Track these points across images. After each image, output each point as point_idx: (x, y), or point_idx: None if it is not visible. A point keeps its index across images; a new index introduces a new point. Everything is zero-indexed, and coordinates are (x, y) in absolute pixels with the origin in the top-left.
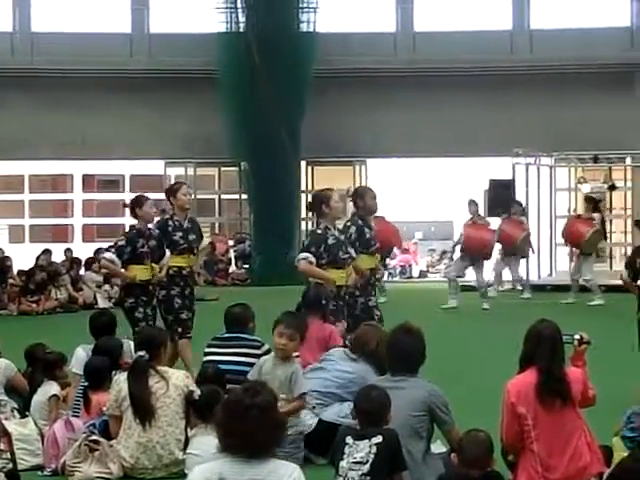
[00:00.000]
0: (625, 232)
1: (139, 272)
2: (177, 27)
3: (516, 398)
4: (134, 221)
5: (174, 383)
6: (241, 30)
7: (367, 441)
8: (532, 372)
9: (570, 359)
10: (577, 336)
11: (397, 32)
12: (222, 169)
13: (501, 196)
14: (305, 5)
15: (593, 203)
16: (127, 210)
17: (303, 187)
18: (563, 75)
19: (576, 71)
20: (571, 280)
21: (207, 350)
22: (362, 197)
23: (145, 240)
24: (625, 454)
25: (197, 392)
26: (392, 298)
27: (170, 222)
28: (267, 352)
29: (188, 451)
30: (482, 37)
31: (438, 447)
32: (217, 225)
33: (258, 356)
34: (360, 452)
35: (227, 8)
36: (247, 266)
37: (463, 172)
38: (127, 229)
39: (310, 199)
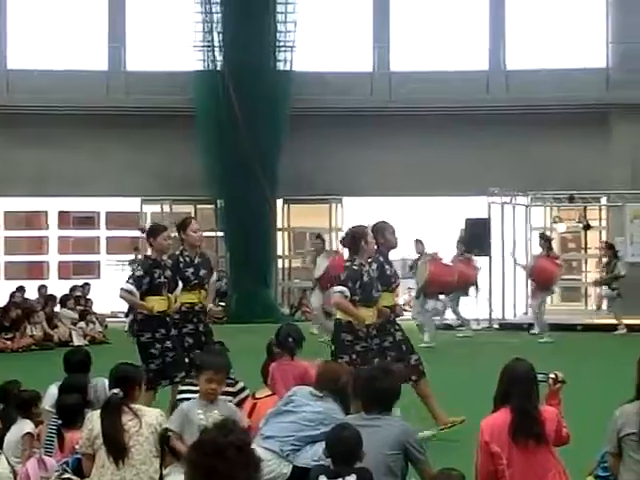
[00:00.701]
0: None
1: (156, 303)
2: (154, 65)
3: (490, 437)
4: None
5: (147, 421)
6: (218, 68)
7: None
8: (506, 411)
9: (545, 398)
10: (552, 375)
11: (374, 72)
12: (198, 206)
13: (477, 235)
14: (282, 44)
15: (549, 242)
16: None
17: (279, 225)
18: (539, 115)
19: (552, 111)
20: (536, 318)
21: (182, 388)
22: (382, 233)
23: (161, 270)
24: None
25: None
26: None
27: (181, 258)
28: (242, 390)
29: None
30: (459, 77)
31: None
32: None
33: (232, 394)
34: None
35: (204, 46)
36: (223, 304)
37: (440, 211)
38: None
39: (348, 235)
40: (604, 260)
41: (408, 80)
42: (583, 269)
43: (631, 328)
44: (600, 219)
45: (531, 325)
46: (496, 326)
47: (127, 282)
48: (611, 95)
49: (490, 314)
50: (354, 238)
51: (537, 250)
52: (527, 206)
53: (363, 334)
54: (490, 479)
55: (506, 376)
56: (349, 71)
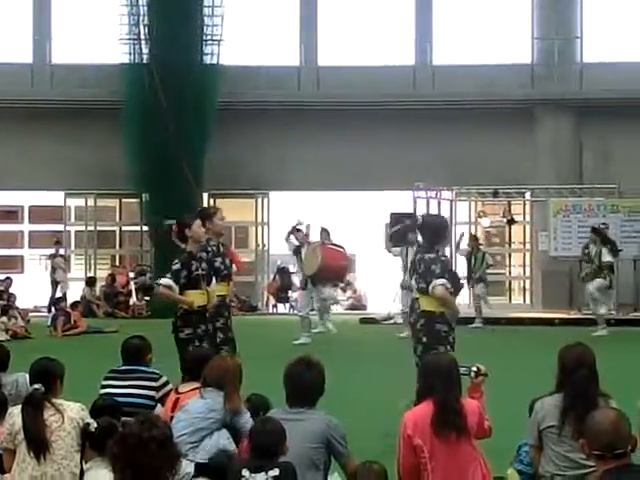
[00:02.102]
0: (524, 265)
1: (196, 297)
2: (80, 58)
3: (413, 430)
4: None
5: (69, 416)
6: (144, 61)
7: (264, 474)
8: (429, 404)
9: (467, 391)
10: (474, 368)
11: (301, 66)
12: (123, 200)
13: (402, 229)
14: (209, 37)
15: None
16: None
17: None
18: (464, 111)
19: (477, 107)
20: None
21: (104, 383)
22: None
23: (198, 263)
24: None
25: (93, 424)
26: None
27: (209, 248)
28: (165, 384)
29: None
30: (385, 72)
31: (335, 479)
32: (117, 257)
33: (155, 388)
34: None
35: (130, 39)
36: (148, 298)
37: (365, 205)
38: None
39: (430, 225)
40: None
41: (335, 75)
42: (507, 263)
43: (554, 322)
44: (524, 214)
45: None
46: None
47: (164, 277)
48: (536, 91)
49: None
50: (438, 229)
51: (463, 245)
52: (452, 201)
53: (454, 325)
54: (412, 472)
55: (428, 369)
56: (276, 65)
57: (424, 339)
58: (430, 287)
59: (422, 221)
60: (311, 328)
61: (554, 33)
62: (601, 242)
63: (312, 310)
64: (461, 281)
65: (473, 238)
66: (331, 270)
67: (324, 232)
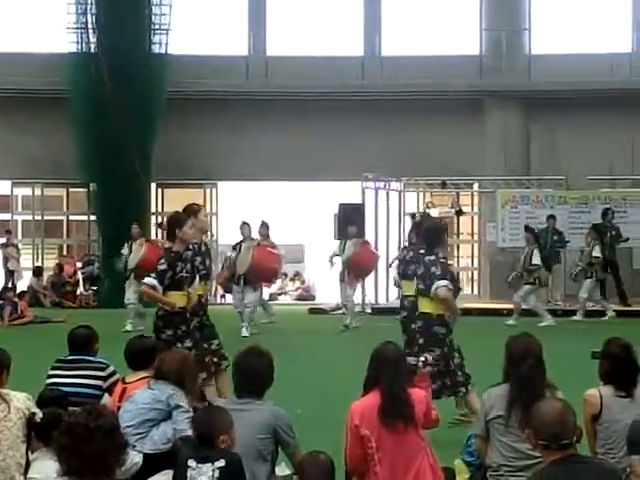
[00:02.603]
0: (472, 256)
1: (178, 299)
2: (27, 46)
3: (360, 420)
4: None
5: (16, 406)
6: (92, 50)
7: (210, 465)
8: (376, 394)
9: (415, 381)
10: (422, 358)
11: (249, 56)
12: (70, 190)
13: (351, 220)
14: (157, 27)
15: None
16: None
17: (153, 209)
18: (413, 102)
19: (426, 97)
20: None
21: (51, 373)
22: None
23: (184, 264)
24: (467, 476)
25: (39, 414)
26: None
27: (190, 246)
28: (112, 374)
29: (29, 475)
30: (334, 63)
31: (282, 469)
32: (65, 247)
33: (102, 378)
34: (203, 476)
35: (78, 28)
36: (95, 288)
37: (314, 196)
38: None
39: (429, 229)
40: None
41: (284, 64)
42: (455, 254)
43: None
44: (472, 205)
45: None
46: (369, 310)
47: (150, 277)
48: (484, 82)
49: (363, 298)
50: (438, 232)
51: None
52: (400, 191)
53: (452, 327)
54: (359, 462)
55: (376, 359)
56: (225, 55)
57: (420, 340)
58: (433, 288)
59: (423, 224)
60: (252, 320)
61: (502, 25)
62: (534, 241)
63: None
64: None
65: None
66: (260, 272)
67: (263, 226)
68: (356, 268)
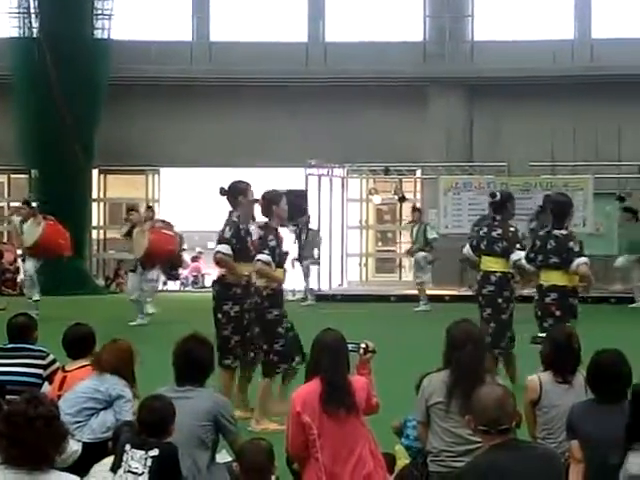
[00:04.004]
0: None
1: (281, 276)
2: None
3: (301, 407)
4: None
5: None
6: (34, 35)
7: (143, 452)
8: (317, 382)
9: (355, 367)
10: (362, 345)
11: (193, 42)
12: (12, 176)
13: (295, 206)
14: (100, 12)
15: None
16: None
17: (95, 196)
18: (357, 88)
19: (370, 84)
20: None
21: None
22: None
23: (278, 241)
24: (407, 461)
25: None
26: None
27: (241, 227)
28: (52, 362)
29: None
30: (278, 48)
31: (223, 456)
32: (5, 233)
33: (43, 367)
34: (135, 462)
35: (20, 13)
36: None
37: (258, 182)
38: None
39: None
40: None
41: (228, 50)
42: (397, 240)
43: (444, 299)
44: (415, 191)
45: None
46: (312, 297)
47: (263, 253)
48: (427, 68)
49: (306, 285)
50: (567, 206)
51: (354, 222)
52: (343, 178)
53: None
54: (301, 449)
55: (316, 347)
56: (168, 40)
57: (557, 312)
58: (574, 265)
59: (551, 200)
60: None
61: (445, 11)
62: None
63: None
64: None
65: (415, 210)
66: (158, 254)
67: (149, 210)
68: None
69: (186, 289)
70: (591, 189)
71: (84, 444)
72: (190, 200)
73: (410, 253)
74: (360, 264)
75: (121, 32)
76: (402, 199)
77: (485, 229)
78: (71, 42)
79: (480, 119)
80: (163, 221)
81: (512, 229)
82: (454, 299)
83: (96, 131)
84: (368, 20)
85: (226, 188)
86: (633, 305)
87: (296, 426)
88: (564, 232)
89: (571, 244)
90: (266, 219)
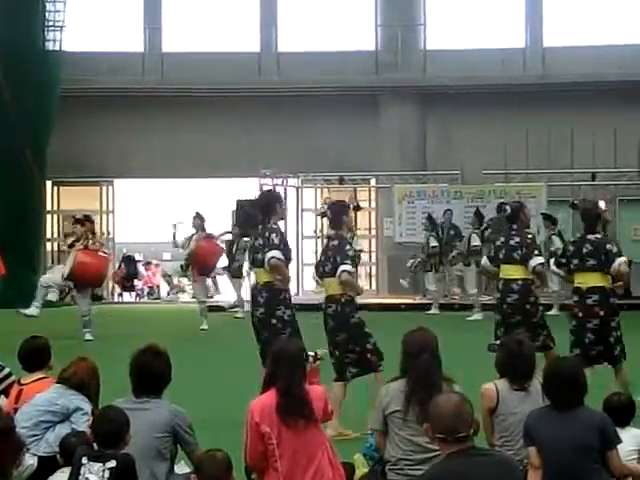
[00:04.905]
0: (370, 251)
1: None
2: None
3: (260, 417)
4: None
5: None
6: None
7: (101, 465)
8: (274, 392)
9: (306, 376)
10: (312, 353)
11: (145, 53)
12: None
13: (249, 216)
14: (51, 24)
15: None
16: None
17: (49, 207)
18: (310, 98)
19: (322, 94)
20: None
21: None
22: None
23: None
24: (366, 470)
25: None
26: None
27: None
28: (8, 376)
29: None
30: (230, 59)
31: (182, 468)
32: None
33: None
34: (93, 475)
35: None
36: None
37: (211, 193)
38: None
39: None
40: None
41: (180, 61)
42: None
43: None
44: (370, 200)
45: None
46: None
47: (346, 263)
48: (380, 78)
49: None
50: (597, 214)
51: (309, 232)
52: (298, 188)
53: None
54: (259, 459)
55: (273, 357)
56: (120, 51)
57: (601, 312)
58: (616, 264)
59: (581, 208)
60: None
61: (397, 20)
62: (478, 224)
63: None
64: None
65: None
66: (83, 276)
67: (80, 224)
68: (200, 263)
69: (141, 300)
70: (544, 196)
71: (40, 458)
72: (145, 211)
73: None
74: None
75: (73, 44)
76: (357, 208)
77: (502, 238)
78: (23, 54)
79: (433, 128)
80: (93, 233)
81: (530, 236)
82: (409, 307)
83: (49, 143)
84: (321, 30)
85: (258, 199)
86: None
87: (255, 436)
88: (598, 236)
89: (608, 246)
90: (334, 230)
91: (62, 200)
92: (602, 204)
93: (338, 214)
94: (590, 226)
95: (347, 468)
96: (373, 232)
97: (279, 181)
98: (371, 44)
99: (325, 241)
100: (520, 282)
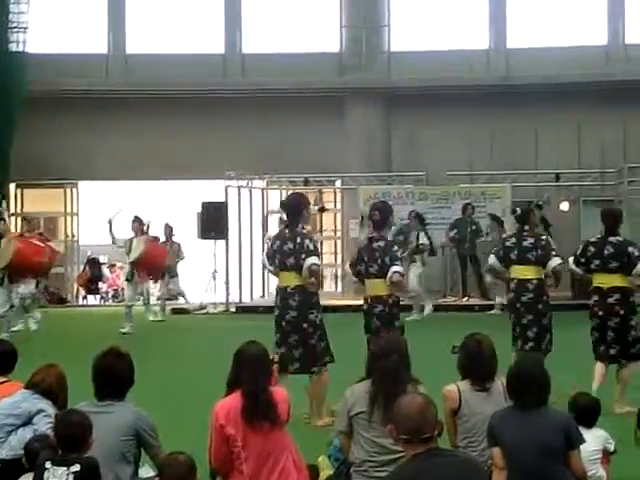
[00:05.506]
0: (335, 253)
1: None
2: None
3: (225, 420)
4: None
5: None
6: None
7: (65, 469)
8: (238, 394)
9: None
10: (271, 356)
11: (109, 54)
12: None
13: (214, 219)
14: (15, 25)
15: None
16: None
17: (12, 210)
18: (275, 99)
19: (287, 95)
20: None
21: None
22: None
23: None
24: (330, 472)
25: None
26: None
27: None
28: None
29: None
30: (195, 60)
31: (146, 471)
32: None
33: None
34: (57, 479)
35: None
36: None
37: (177, 195)
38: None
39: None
40: None
41: (144, 62)
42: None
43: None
44: (335, 202)
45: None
46: (233, 309)
47: (398, 264)
48: (345, 79)
49: (227, 297)
50: (618, 216)
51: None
52: (263, 189)
53: None
54: (224, 461)
55: (237, 359)
56: (85, 53)
57: (621, 312)
58: (639, 267)
59: (603, 211)
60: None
61: (362, 22)
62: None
63: (12, 307)
64: None
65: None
66: (22, 265)
67: (25, 222)
68: (148, 266)
69: (106, 303)
70: (509, 197)
71: (2, 461)
72: (110, 214)
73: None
74: None
75: (37, 45)
76: (322, 210)
77: (513, 239)
78: None
79: (398, 129)
80: (41, 234)
81: (544, 237)
82: None
83: (13, 145)
84: (285, 31)
85: (287, 202)
86: None
87: (220, 438)
88: (620, 238)
89: (630, 249)
90: (376, 231)
91: (26, 202)
92: (565, 205)
93: (385, 215)
94: (611, 228)
95: (312, 470)
96: (339, 234)
97: (244, 183)
98: (336, 45)
99: (366, 242)
100: (535, 282)
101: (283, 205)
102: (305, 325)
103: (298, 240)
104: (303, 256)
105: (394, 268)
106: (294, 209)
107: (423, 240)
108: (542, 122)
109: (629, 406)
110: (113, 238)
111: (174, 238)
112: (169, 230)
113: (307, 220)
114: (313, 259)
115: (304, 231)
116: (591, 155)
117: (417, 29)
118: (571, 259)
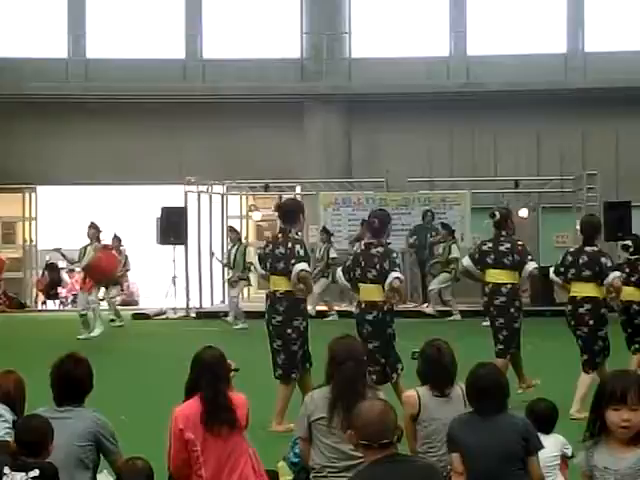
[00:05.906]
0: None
1: None
2: None
3: (184, 425)
4: None
5: None
6: None
7: (24, 474)
8: (197, 399)
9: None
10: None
11: (69, 58)
12: None
13: (173, 224)
14: None
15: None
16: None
17: None
18: (235, 104)
19: (248, 101)
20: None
21: None
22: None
23: None
24: (290, 478)
25: None
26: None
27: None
28: None
29: None
30: (156, 65)
31: (105, 477)
32: None
33: None
34: None
35: None
36: None
37: (136, 200)
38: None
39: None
40: None
41: (104, 67)
42: None
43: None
44: None
45: (227, 313)
46: (193, 315)
47: (397, 270)
48: (305, 85)
49: (187, 303)
50: (597, 226)
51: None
52: (223, 195)
53: None
54: (183, 466)
55: (195, 364)
56: (44, 57)
57: (590, 322)
58: (610, 278)
59: (583, 220)
60: None
61: (323, 28)
62: (450, 237)
63: None
64: None
65: (232, 230)
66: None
67: None
68: (98, 274)
69: (65, 309)
70: (468, 204)
71: None
72: (69, 218)
73: (230, 282)
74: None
75: None
76: None
77: (490, 244)
78: None
79: (358, 135)
80: None
81: (520, 242)
82: (338, 315)
83: None
84: (246, 37)
85: (282, 206)
86: None
87: (178, 443)
88: (595, 248)
89: (603, 260)
90: (375, 238)
91: None
92: (525, 211)
93: (384, 222)
94: (589, 238)
95: (271, 476)
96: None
97: (204, 188)
98: (296, 52)
99: (362, 247)
100: (509, 286)
101: (279, 209)
102: (289, 331)
103: (289, 245)
104: (293, 261)
105: (394, 274)
106: (289, 214)
107: (333, 255)
108: (502, 129)
109: (587, 412)
110: (69, 261)
111: (122, 249)
112: (117, 241)
113: (302, 226)
114: (302, 265)
115: (297, 237)
116: (550, 162)
117: (378, 36)
118: (552, 269)
